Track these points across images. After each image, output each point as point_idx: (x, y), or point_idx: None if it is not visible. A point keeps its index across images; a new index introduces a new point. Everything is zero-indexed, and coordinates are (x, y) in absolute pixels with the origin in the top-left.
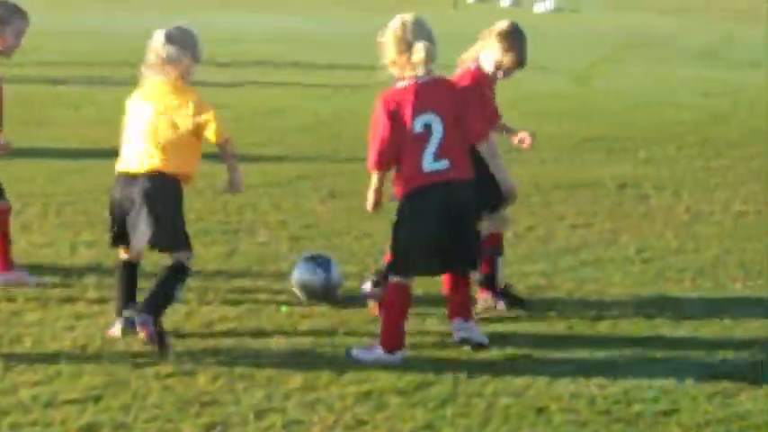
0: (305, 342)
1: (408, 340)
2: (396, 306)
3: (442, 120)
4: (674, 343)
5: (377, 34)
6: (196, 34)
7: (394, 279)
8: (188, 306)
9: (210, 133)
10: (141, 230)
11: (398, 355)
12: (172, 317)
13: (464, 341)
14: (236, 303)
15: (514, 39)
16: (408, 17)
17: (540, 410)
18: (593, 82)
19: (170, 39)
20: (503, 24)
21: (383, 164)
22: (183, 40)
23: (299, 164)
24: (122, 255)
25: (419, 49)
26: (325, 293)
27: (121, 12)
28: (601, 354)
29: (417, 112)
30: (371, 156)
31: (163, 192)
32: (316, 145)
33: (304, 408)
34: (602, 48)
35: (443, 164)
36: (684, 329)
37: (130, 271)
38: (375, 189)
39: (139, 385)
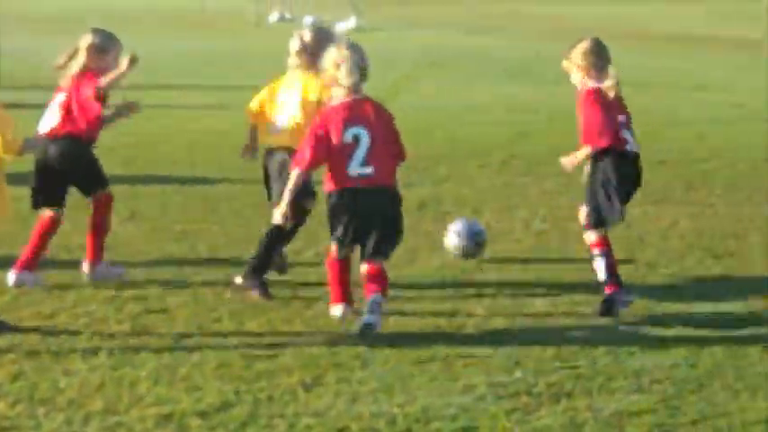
0: (106, 364)
1: (209, 362)
2: (335, 277)
3: (369, 132)
4: (474, 360)
5: (191, 54)
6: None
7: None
8: None
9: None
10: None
11: (341, 307)
12: None
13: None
14: (36, 327)
15: None
16: (344, 44)
17: (340, 430)
18: (395, 100)
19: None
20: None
21: (310, 166)
22: (320, 37)
23: None
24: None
25: (344, 73)
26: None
27: None
28: (401, 372)
29: (347, 124)
30: (301, 158)
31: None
32: (117, 166)
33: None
34: (404, 66)
35: (369, 170)
36: (484, 347)
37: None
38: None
39: None
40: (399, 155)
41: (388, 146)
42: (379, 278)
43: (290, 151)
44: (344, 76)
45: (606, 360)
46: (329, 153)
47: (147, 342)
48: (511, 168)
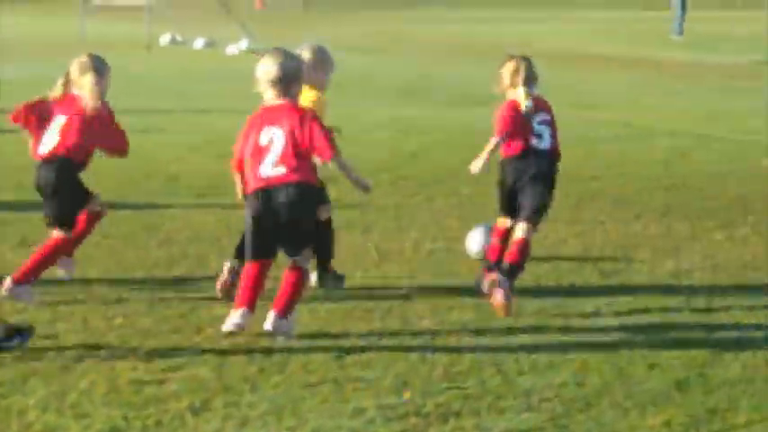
0: None
1: (97, 388)
2: (245, 282)
3: (285, 133)
4: (363, 383)
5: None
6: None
7: (246, 261)
8: None
9: None
10: None
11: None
12: None
13: (268, 333)
14: None
15: None
16: (271, 54)
17: None
18: None
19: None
20: None
21: (236, 166)
22: (319, 56)
23: None
24: None
25: (265, 81)
26: None
27: None
28: (291, 395)
29: (264, 127)
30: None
31: None
32: (7, 192)
33: None
34: None
35: (280, 170)
36: (372, 369)
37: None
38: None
39: None
40: (325, 152)
41: (308, 145)
42: (288, 292)
43: None
44: (266, 84)
45: (495, 380)
46: (249, 154)
47: (35, 369)
48: (401, 189)
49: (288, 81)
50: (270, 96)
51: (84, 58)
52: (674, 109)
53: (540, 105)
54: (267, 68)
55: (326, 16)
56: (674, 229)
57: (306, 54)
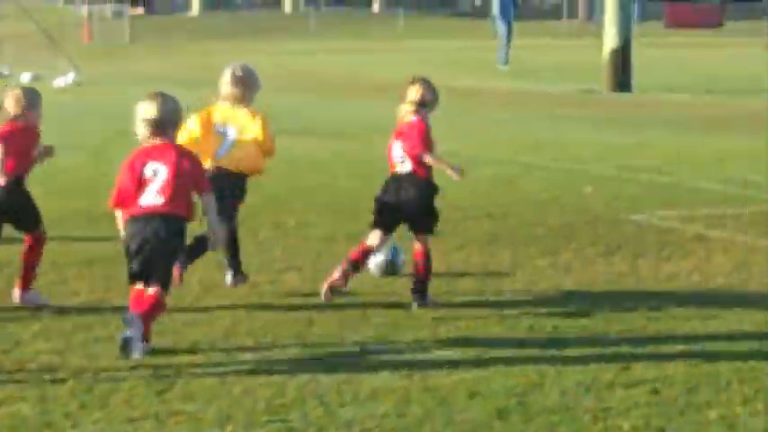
0: None
1: None
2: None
3: (167, 168)
4: (185, 416)
5: None
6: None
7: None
8: None
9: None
10: None
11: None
12: None
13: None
14: None
15: None
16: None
17: None
18: (109, 155)
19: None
20: None
21: (117, 203)
22: (250, 74)
23: None
24: None
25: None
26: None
27: None
28: (112, 430)
29: (148, 161)
30: (111, 197)
31: None
32: None
33: None
34: (120, 121)
35: (158, 200)
36: (194, 402)
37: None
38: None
39: None
40: (206, 188)
41: (189, 182)
42: (147, 304)
43: (231, 176)
44: (145, 125)
45: (317, 412)
46: (133, 188)
47: None
48: None
49: (166, 123)
50: (148, 137)
51: (18, 91)
52: (499, 138)
53: (399, 131)
54: (146, 110)
55: (153, 50)
56: (497, 257)
57: (238, 73)
